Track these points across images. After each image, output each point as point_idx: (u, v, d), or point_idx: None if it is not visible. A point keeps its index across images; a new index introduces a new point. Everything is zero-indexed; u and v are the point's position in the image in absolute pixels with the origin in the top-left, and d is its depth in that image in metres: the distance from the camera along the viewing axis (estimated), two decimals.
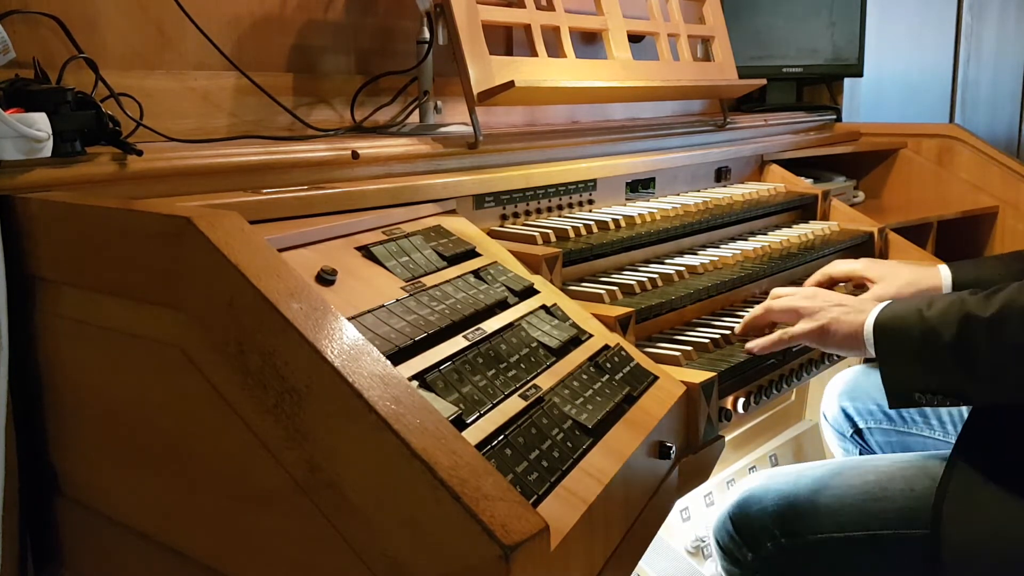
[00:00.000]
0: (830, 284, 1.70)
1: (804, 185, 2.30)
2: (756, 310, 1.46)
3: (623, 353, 1.23)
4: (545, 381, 1.07)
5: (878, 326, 1.29)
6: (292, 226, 1.16)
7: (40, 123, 1.10)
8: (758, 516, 1.44)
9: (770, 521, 1.43)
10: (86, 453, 1.09)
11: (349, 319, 0.93)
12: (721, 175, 2.20)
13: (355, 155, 1.40)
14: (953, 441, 1.42)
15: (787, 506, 1.43)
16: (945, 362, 1.23)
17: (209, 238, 0.87)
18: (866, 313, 1.31)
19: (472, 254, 1.31)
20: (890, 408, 1.34)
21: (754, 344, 1.40)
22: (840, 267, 1.67)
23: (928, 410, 1.79)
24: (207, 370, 0.89)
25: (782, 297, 1.43)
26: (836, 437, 1.97)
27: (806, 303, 1.39)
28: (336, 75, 1.77)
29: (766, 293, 1.75)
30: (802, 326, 1.36)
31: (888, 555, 1.35)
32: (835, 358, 1.67)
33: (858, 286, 1.71)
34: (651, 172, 1.95)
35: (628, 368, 1.20)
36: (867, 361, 1.98)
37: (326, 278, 1.04)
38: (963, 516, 1.29)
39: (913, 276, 1.61)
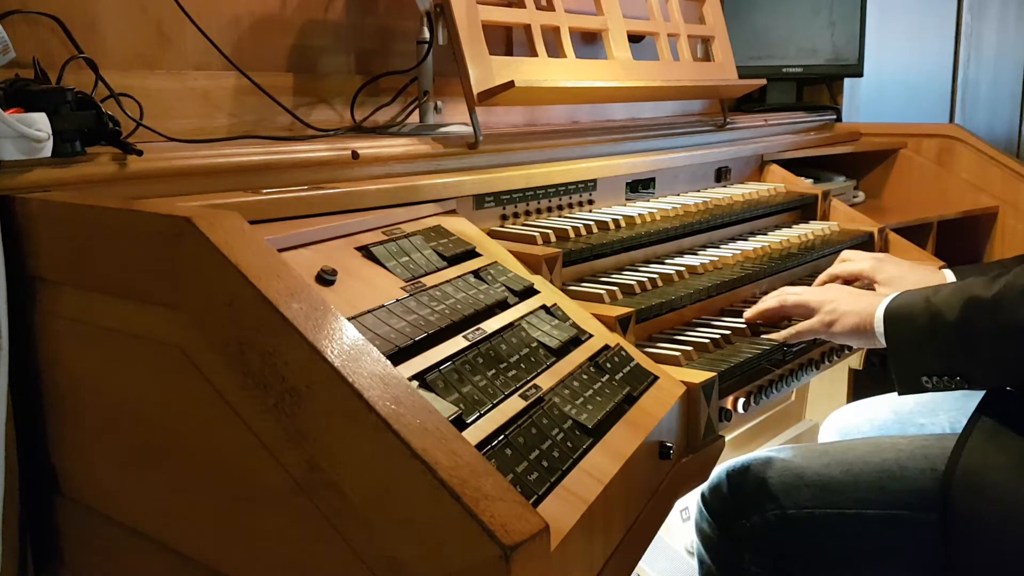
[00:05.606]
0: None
1: (804, 185, 2.30)
2: (769, 301, 1.52)
3: (623, 353, 1.23)
4: (545, 381, 1.07)
5: (888, 314, 1.34)
6: (292, 226, 1.16)
7: (40, 123, 1.10)
8: (760, 482, 1.39)
9: (774, 488, 1.37)
10: (86, 453, 1.09)
11: (349, 319, 0.93)
12: (721, 175, 2.20)
13: (355, 155, 1.40)
14: None
15: (795, 477, 1.38)
16: (950, 343, 1.26)
17: (209, 238, 0.87)
18: (875, 304, 1.36)
19: (472, 254, 1.31)
20: (899, 394, 1.35)
21: (777, 336, 1.48)
22: (847, 267, 1.67)
23: None
24: (207, 370, 0.89)
25: (795, 293, 1.50)
26: None
27: (817, 296, 1.46)
28: (336, 75, 1.77)
29: (766, 293, 1.75)
30: (813, 321, 1.44)
31: (901, 537, 1.30)
32: (835, 358, 1.68)
33: (867, 286, 1.71)
34: (651, 172, 1.95)
35: (628, 368, 1.20)
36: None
37: (326, 278, 1.04)
38: (971, 498, 1.25)
39: (920, 281, 1.61)
